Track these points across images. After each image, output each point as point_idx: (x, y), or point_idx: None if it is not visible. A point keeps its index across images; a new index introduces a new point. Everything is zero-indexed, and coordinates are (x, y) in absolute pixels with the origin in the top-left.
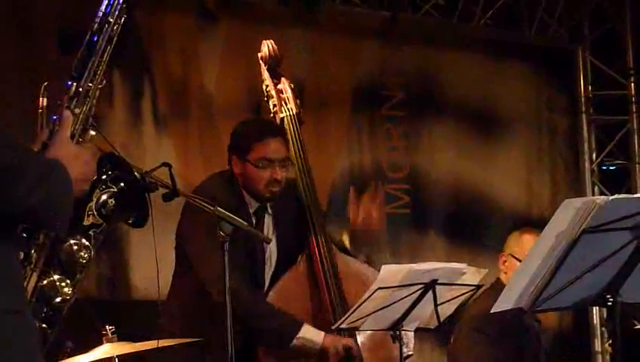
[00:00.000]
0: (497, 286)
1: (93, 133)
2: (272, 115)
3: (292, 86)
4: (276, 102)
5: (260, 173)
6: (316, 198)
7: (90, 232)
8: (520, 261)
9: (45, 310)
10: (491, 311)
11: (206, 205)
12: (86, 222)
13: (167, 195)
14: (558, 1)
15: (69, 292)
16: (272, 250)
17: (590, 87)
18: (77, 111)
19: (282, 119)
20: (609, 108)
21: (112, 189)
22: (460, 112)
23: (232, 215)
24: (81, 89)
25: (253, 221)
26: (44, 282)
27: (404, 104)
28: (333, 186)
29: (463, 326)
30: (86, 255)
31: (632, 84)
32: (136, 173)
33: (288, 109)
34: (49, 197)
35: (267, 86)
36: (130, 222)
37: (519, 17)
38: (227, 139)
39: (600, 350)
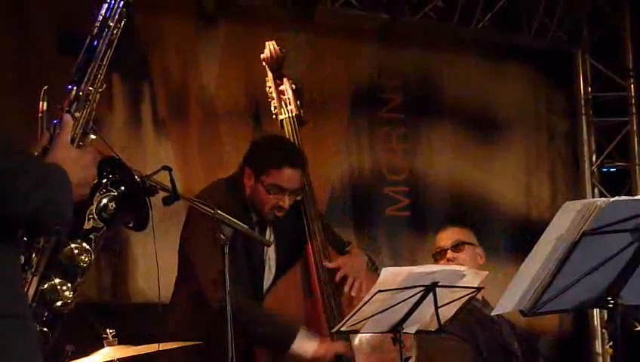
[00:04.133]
0: None
1: (93, 136)
2: (273, 116)
3: (294, 87)
4: (277, 104)
5: (268, 197)
6: (314, 203)
7: (90, 236)
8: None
9: (46, 314)
10: (492, 314)
11: (206, 208)
12: (86, 226)
13: (167, 199)
14: (557, 4)
15: (70, 295)
16: (271, 256)
17: (589, 89)
18: (77, 115)
19: (282, 121)
20: (609, 109)
21: (112, 193)
22: (459, 115)
23: (232, 218)
24: (81, 93)
25: (256, 229)
26: (45, 286)
27: (403, 107)
28: (333, 189)
29: None
30: (87, 258)
31: (632, 86)
32: (136, 177)
33: (288, 111)
34: (49, 201)
35: (269, 87)
36: (131, 225)
37: (518, 20)
38: (227, 142)
39: (601, 352)
